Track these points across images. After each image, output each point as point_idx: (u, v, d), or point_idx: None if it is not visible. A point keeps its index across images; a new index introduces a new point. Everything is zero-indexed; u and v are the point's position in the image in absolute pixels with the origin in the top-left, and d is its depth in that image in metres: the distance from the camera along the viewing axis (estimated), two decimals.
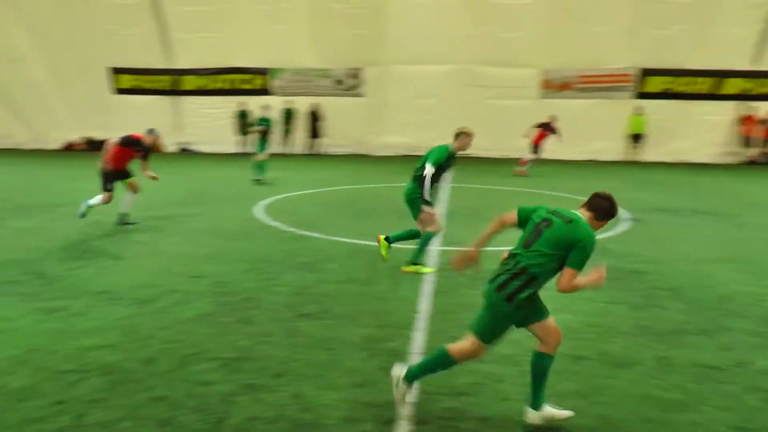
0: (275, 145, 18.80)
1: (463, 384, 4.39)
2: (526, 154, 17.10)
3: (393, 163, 19.63)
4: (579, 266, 3.60)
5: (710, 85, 20.61)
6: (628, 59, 20.57)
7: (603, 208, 3.79)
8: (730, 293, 6.73)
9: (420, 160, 7.15)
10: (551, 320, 3.81)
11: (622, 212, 11.40)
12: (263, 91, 22.31)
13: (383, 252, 7.42)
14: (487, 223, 4.16)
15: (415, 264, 7.30)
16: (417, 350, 4.94)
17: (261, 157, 14.86)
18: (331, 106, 22.13)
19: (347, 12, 20.71)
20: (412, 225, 7.41)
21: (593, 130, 21.13)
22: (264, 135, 14.87)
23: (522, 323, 3.80)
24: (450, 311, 5.91)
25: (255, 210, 11.18)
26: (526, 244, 3.73)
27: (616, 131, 21.36)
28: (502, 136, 20.32)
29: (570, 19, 19.75)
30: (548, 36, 20.07)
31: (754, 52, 20.15)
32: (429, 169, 7.01)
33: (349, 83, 22.27)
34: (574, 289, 3.62)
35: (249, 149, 17.85)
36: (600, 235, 9.14)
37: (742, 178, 17.45)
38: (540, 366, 3.84)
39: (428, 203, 7.09)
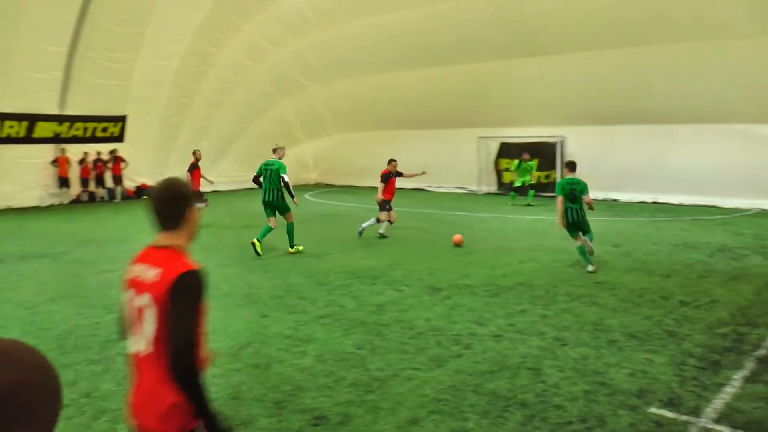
0: None
1: None
2: None
3: None
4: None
5: (23, 128, 20.48)
6: None
7: (573, 165, 9.85)
8: (70, 329, 7.09)
9: (270, 175, 11.20)
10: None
11: None
12: None
13: (259, 249, 11.08)
14: None
15: (294, 246, 11.50)
16: None
17: None
18: None
19: None
20: None
21: None
22: None
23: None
24: None
25: None
26: (573, 200, 9.40)
27: None
28: None
29: None
30: None
31: (60, 97, 21.10)
32: (287, 178, 11.13)
33: None
34: None
35: None
36: None
37: (68, 217, 18.14)
38: (584, 250, 9.45)
39: (293, 195, 11.29)
